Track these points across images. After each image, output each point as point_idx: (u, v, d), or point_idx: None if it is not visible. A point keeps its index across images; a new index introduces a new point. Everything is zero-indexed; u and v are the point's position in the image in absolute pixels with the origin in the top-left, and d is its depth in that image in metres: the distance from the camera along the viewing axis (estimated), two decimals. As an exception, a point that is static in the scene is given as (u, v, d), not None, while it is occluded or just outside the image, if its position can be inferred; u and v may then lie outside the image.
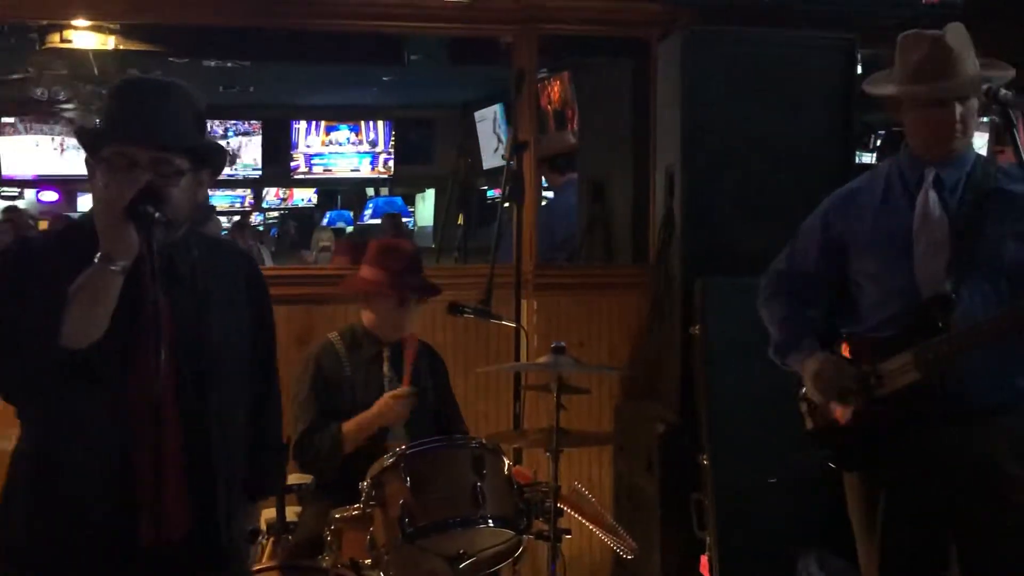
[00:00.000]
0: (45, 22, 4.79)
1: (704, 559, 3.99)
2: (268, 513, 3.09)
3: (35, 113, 10.15)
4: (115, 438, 2.10)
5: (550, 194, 6.07)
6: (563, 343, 3.32)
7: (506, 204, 4.35)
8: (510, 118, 9.57)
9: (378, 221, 11.31)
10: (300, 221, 12.76)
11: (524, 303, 4.17)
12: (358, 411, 3.61)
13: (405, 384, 3.63)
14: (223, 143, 8.83)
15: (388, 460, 3.08)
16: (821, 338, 2.96)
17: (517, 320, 4.05)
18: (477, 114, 9.92)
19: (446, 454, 3.12)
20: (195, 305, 2.21)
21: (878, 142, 7.41)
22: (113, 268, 2.00)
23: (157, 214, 2.01)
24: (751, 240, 3.99)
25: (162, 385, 2.03)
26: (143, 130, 2.09)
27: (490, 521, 3.00)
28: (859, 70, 4.30)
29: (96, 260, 2.00)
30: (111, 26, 4.69)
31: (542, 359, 3.36)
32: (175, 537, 2.14)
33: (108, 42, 4.76)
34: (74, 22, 4.69)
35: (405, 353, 3.71)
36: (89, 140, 2.17)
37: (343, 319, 3.86)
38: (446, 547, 3.00)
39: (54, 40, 4.83)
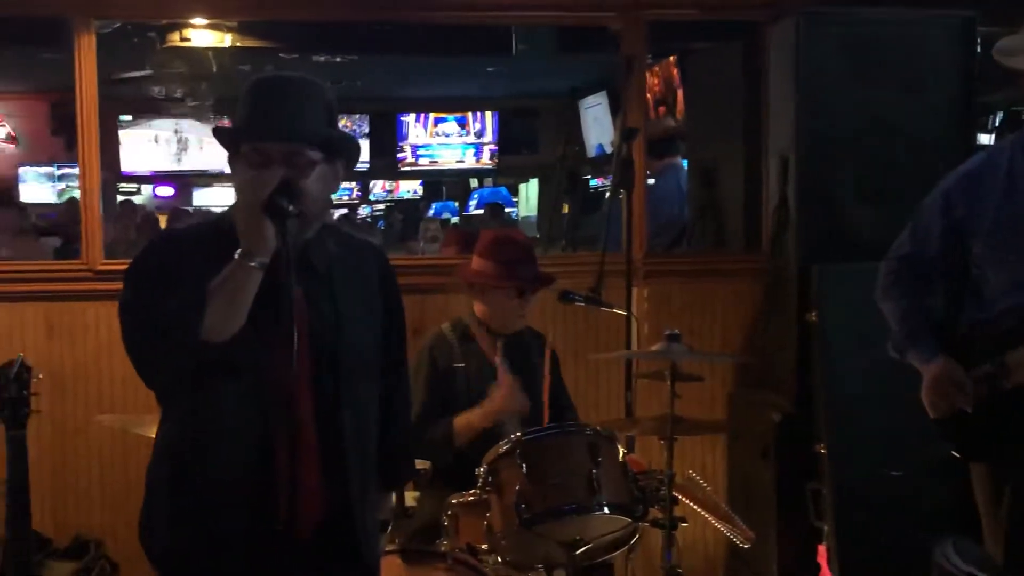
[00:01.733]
0: (165, 22, 4.95)
1: (822, 548, 3.94)
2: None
3: (152, 111, 10.48)
4: (253, 427, 2.14)
5: (650, 180, 6.04)
6: (677, 331, 3.30)
7: (617, 191, 4.32)
8: (614, 105, 9.60)
9: (481, 211, 11.39)
10: (406, 213, 12.92)
11: (634, 291, 4.16)
12: (472, 402, 3.64)
13: (504, 385, 3.58)
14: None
15: (503, 447, 3.11)
16: (942, 328, 2.89)
17: (628, 308, 4.04)
18: (582, 102, 9.91)
19: (561, 441, 3.13)
20: (329, 298, 2.23)
21: (998, 122, 7.19)
22: (251, 264, 2.03)
23: (291, 208, 2.04)
24: (868, 225, 3.92)
25: (298, 376, 2.07)
26: (275, 125, 2.13)
27: (606, 508, 3.00)
28: (979, 49, 4.17)
29: (236, 256, 2.04)
30: (228, 24, 4.82)
31: (656, 347, 3.35)
32: (310, 525, 2.18)
33: (225, 40, 4.90)
34: (193, 21, 4.83)
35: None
36: (226, 138, 2.23)
37: (455, 309, 3.90)
38: (562, 533, 3.01)
39: (174, 39, 5.00)
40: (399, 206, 13.40)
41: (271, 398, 2.11)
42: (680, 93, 7.26)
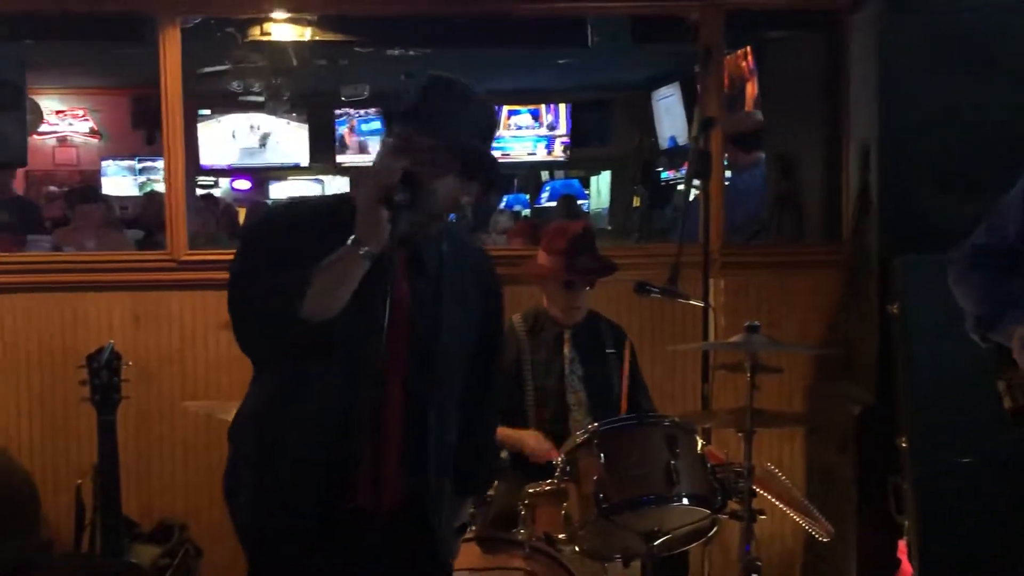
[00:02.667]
0: (246, 16, 5.02)
1: (902, 543, 3.89)
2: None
3: (230, 105, 10.64)
4: (339, 409, 2.18)
5: (728, 173, 5.97)
6: (757, 322, 3.28)
7: (693, 182, 4.30)
8: (687, 97, 9.52)
9: (553, 204, 11.36)
10: (475, 205, 12.92)
11: (711, 282, 4.13)
12: (538, 394, 3.66)
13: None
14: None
15: (581, 437, 3.12)
16: None
17: (705, 299, 4.02)
18: (654, 94, 9.85)
19: (640, 432, 3.14)
20: (434, 298, 2.26)
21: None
22: (360, 253, 2.07)
23: (406, 200, 2.06)
24: (950, 215, 3.85)
25: (389, 367, 2.12)
26: (432, 120, 2.15)
27: (684, 499, 3.01)
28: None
29: (348, 242, 2.08)
30: (308, 18, 4.88)
31: (735, 338, 3.33)
32: (386, 513, 2.22)
33: (305, 34, 4.95)
34: (274, 15, 4.89)
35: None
36: (386, 117, 2.29)
37: (528, 301, 3.91)
38: (640, 524, 3.02)
39: (255, 33, 5.07)
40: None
41: (362, 384, 2.14)
42: (749, 85, 7.18)
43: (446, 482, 2.35)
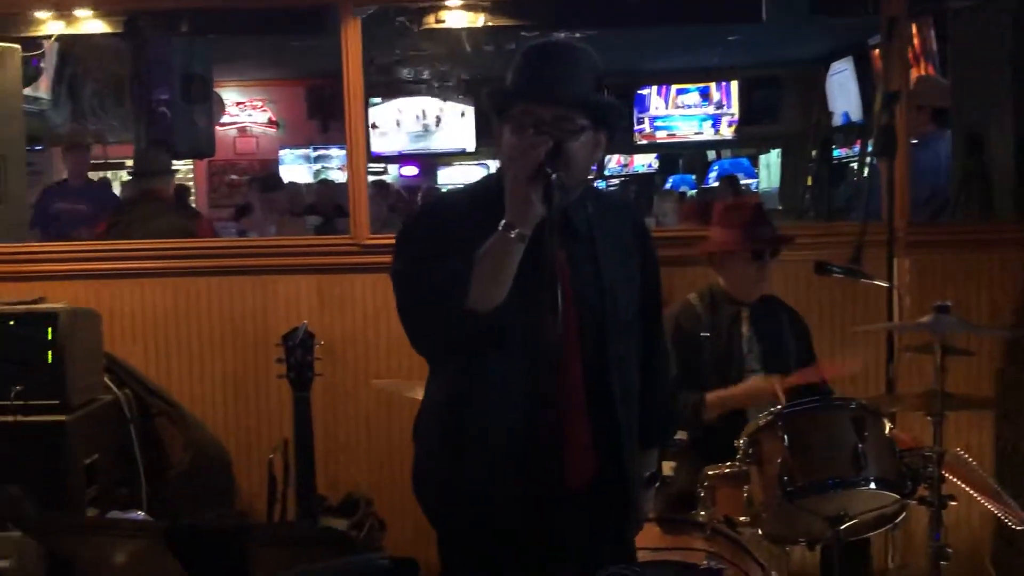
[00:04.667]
0: (422, 5, 5.13)
1: (1102, 535, 3.70)
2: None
3: (399, 92, 10.89)
4: (522, 391, 2.21)
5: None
6: (948, 302, 3.17)
7: (876, 159, 4.17)
8: (861, 71, 9.23)
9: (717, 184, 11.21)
10: (640, 186, 12.88)
11: (895, 262, 4.01)
12: (717, 372, 3.63)
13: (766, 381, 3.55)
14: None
15: (764, 419, 3.08)
16: None
17: (889, 279, 3.90)
18: (827, 69, 9.59)
19: (825, 414, 3.07)
20: (591, 260, 2.26)
21: None
22: (512, 236, 2.08)
23: (559, 173, 2.07)
24: None
25: (564, 338, 2.11)
26: (545, 89, 2.16)
27: (872, 483, 2.93)
28: None
29: (500, 228, 2.09)
30: (482, 4, 4.94)
31: (925, 319, 3.23)
32: (582, 482, 2.24)
33: (478, 20, 5.02)
34: (448, 2, 4.98)
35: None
36: (497, 101, 2.28)
37: (699, 282, 3.88)
38: (825, 508, 2.96)
39: (429, 21, 5.17)
40: (634, 180, 13.37)
41: (539, 361, 2.16)
42: (923, 60, 6.89)
43: (634, 439, 2.35)
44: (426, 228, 2.31)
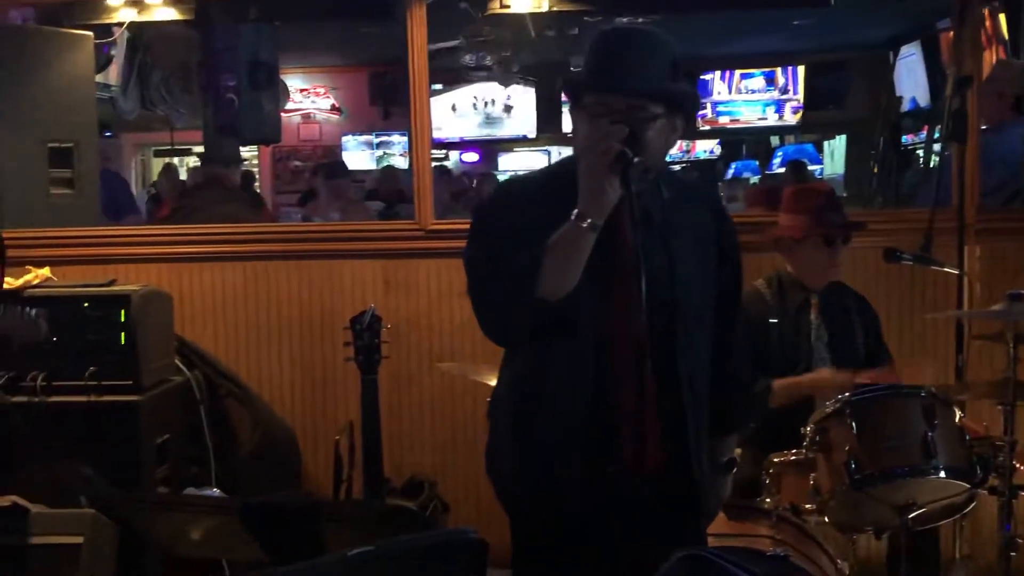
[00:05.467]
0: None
1: None
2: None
3: (459, 79, 10.92)
4: (592, 377, 2.22)
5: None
6: (1021, 291, 3.12)
7: (941, 145, 4.11)
8: (929, 56, 9.07)
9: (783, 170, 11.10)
10: (702, 172, 12.78)
11: (966, 249, 3.95)
12: (784, 359, 3.60)
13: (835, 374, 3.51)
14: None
15: (832, 406, 3.06)
16: None
17: (960, 267, 3.85)
18: (894, 53, 9.44)
19: (894, 402, 3.04)
20: (665, 246, 2.25)
21: None
22: (584, 226, 2.07)
23: (636, 160, 2.06)
24: None
25: (636, 326, 2.10)
26: (618, 78, 2.16)
27: (942, 472, 2.91)
28: None
29: (572, 217, 2.08)
30: (547, -12, 4.95)
31: (997, 307, 3.18)
32: (650, 470, 2.25)
33: (542, 4, 5.02)
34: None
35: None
36: (571, 91, 2.29)
37: (768, 267, 3.85)
38: (893, 496, 2.94)
39: (493, 7, 5.18)
40: (695, 166, 13.27)
41: (610, 348, 2.17)
42: (995, 44, 6.73)
43: (703, 429, 2.35)
44: (499, 214, 2.32)
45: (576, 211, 2.08)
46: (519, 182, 2.69)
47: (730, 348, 2.48)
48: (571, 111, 2.28)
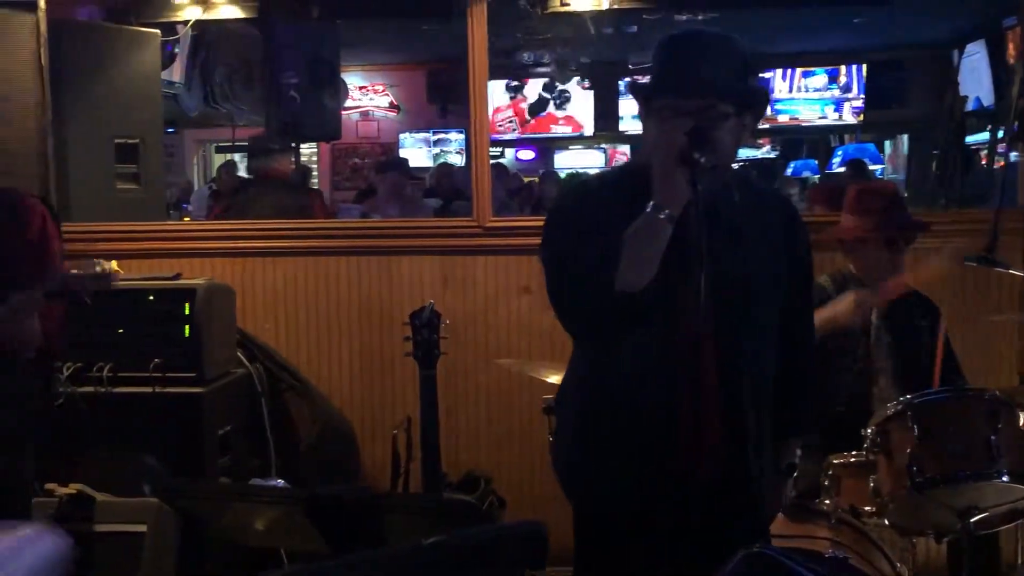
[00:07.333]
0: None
1: None
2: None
3: (517, 76, 10.94)
4: (659, 376, 2.22)
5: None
6: (1091, 293, 3.07)
7: (1007, 145, 4.05)
8: (994, 54, 8.91)
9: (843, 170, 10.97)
10: (760, 171, 12.68)
11: (1031, 251, 3.89)
12: (843, 357, 3.57)
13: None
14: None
15: (893, 408, 3.03)
16: None
17: (1026, 269, 3.79)
18: (958, 52, 9.29)
19: (957, 405, 3.01)
20: (735, 249, 2.26)
21: None
22: (661, 217, 2.10)
23: (704, 158, 2.07)
24: None
25: (703, 326, 2.12)
26: (688, 81, 2.18)
27: (1005, 476, 2.86)
28: None
29: (648, 209, 2.11)
30: (608, -13, 4.94)
31: (1065, 309, 3.13)
32: (710, 473, 2.25)
33: (602, 2, 5.02)
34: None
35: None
36: (640, 93, 2.31)
37: (829, 267, 3.82)
38: (955, 500, 2.90)
39: (554, 4, 5.18)
40: (754, 165, 13.16)
41: (678, 347, 2.18)
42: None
43: (765, 434, 2.34)
44: (572, 213, 2.35)
45: (652, 203, 2.11)
46: (592, 181, 2.71)
47: (798, 354, 2.48)
48: (640, 114, 2.30)
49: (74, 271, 3.19)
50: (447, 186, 8.67)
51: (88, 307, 3.25)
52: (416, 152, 11.85)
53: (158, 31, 5.30)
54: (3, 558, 1.66)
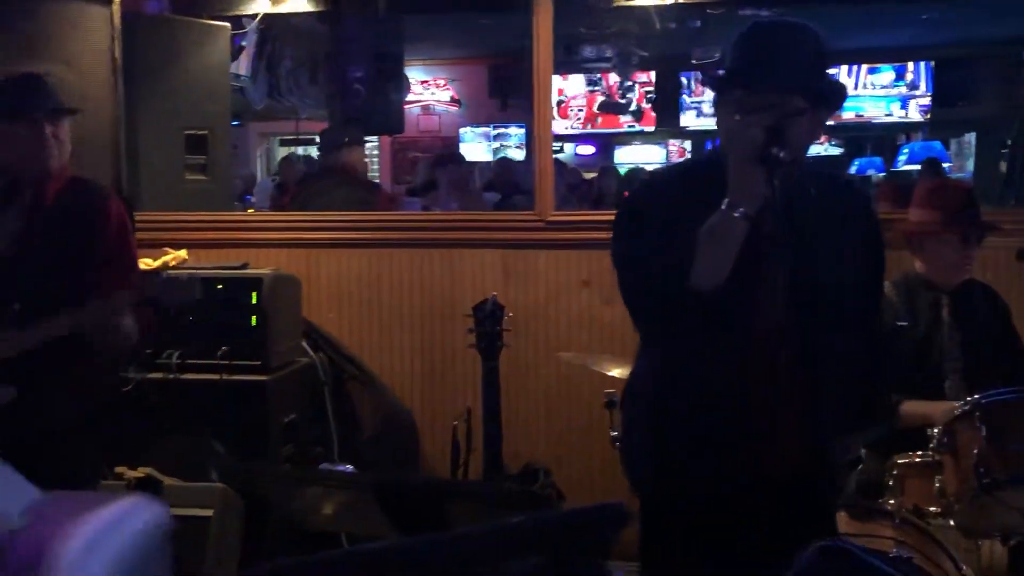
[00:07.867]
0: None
1: None
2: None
3: (576, 70, 10.93)
4: (732, 373, 2.22)
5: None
6: None
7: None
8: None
9: (913, 167, 10.78)
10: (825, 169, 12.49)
11: (1104, 250, 3.80)
12: (916, 361, 3.52)
13: None
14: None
15: (961, 408, 2.99)
16: None
17: (1096, 269, 3.71)
18: (1028, 48, 9.12)
19: (1026, 405, 2.96)
20: (810, 245, 2.22)
21: None
22: (736, 215, 2.09)
23: (782, 154, 2.05)
24: None
25: (778, 323, 2.12)
26: (765, 72, 2.15)
27: (1077, 478, 2.82)
28: None
29: (723, 206, 2.10)
30: (674, -18, 4.92)
31: None
32: (783, 471, 2.23)
33: (668, -3, 5.00)
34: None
35: None
36: (716, 84, 2.29)
37: (894, 267, 3.77)
38: (1023, 502, 2.87)
39: (619, -1, 5.17)
40: (817, 162, 13.01)
41: (752, 345, 2.17)
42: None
43: (836, 432, 2.34)
44: (643, 209, 2.34)
45: (727, 201, 2.10)
46: (661, 175, 2.71)
47: (867, 353, 2.45)
48: (715, 106, 2.28)
49: (156, 275, 3.19)
50: (506, 181, 8.68)
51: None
52: (476, 147, 11.88)
53: (228, 24, 5.38)
54: (115, 521, 1.72)
